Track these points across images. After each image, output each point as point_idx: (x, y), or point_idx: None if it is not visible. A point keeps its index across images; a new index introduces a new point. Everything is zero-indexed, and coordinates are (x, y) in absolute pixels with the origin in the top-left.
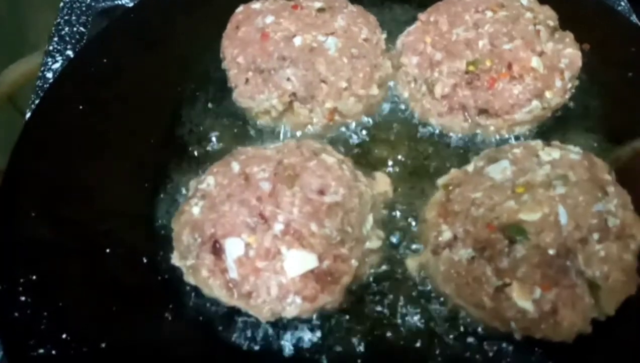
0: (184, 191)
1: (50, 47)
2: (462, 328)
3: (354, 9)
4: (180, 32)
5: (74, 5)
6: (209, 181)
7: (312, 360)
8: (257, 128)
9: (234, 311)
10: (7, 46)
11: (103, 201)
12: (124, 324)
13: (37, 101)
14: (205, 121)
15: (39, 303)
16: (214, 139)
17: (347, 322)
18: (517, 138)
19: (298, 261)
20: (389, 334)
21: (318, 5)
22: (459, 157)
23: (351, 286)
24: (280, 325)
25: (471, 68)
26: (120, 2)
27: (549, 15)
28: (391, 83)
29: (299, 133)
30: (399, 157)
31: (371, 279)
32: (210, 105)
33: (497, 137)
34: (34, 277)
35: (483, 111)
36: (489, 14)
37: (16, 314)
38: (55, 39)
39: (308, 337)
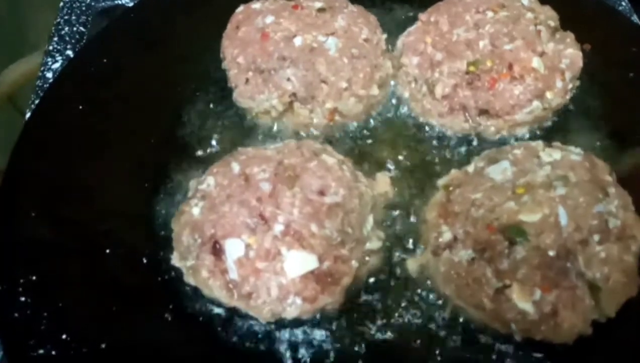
0: (184, 191)
1: (50, 47)
2: (462, 329)
3: (354, 9)
4: (180, 32)
5: (74, 5)
6: (209, 181)
7: (312, 361)
8: (257, 128)
9: (234, 312)
10: (7, 45)
11: (103, 201)
12: (124, 324)
13: (37, 101)
14: (206, 121)
15: (39, 304)
16: (214, 139)
17: (347, 323)
18: (517, 138)
19: (298, 262)
20: (389, 335)
21: (318, 5)
22: (459, 157)
23: (351, 287)
24: (281, 325)
25: (472, 68)
26: (120, 2)
27: (549, 16)
28: (392, 83)
29: (299, 134)
30: (400, 157)
31: (371, 280)
32: (210, 105)
33: (498, 137)
34: (34, 277)
35: (484, 112)
36: (490, 14)
37: (16, 314)
38: (55, 38)
39: (308, 337)
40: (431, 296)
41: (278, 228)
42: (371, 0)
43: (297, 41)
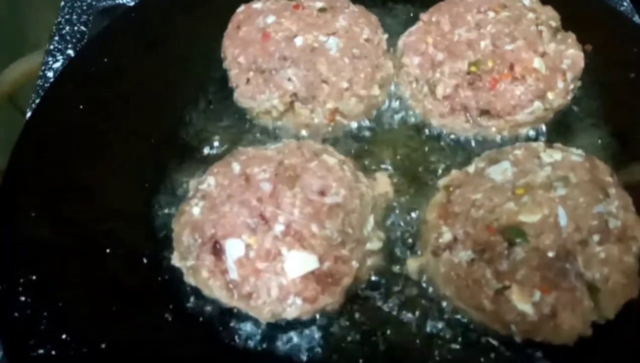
0: (184, 191)
1: (51, 47)
2: (462, 330)
3: (355, 9)
4: (181, 31)
5: (75, 5)
6: (209, 181)
7: (312, 361)
8: (258, 128)
9: (234, 312)
10: (7, 45)
11: (103, 201)
12: (124, 325)
13: (37, 101)
14: (206, 121)
15: (38, 303)
16: (214, 139)
17: (347, 323)
18: (518, 139)
19: (298, 263)
20: (389, 335)
21: (319, 5)
22: (460, 158)
23: (352, 287)
24: (281, 326)
25: (473, 69)
26: (121, 2)
27: (551, 16)
28: (393, 84)
29: (300, 134)
30: (400, 158)
31: (372, 280)
32: (211, 105)
33: (499, 138)
34: (34, 277)
35: (485, 112)
36: (491, 14)
37: (16, 314)
38: (56, 38)
39: (308, 338)
40: (431, 297)
41: (278, 228)
42: (372, 0)
43: (298, 41)
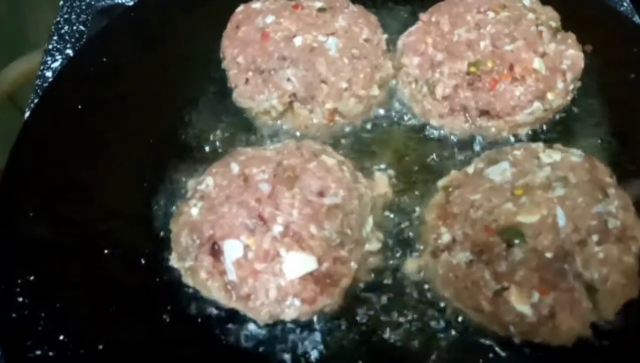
0: (183, 191)
1: (50, 46)
2: (461, 331)
3: (354, 9)
4: (180, 31)
5: (74, 4)
6: (208, 181)
7: (311, 362)
8: (256, 129)
9: (233, 313)
10: (7, 45)
11: (102, 201)
12: (122, 325)
13: (36, 100)
14: (205, 121)
15: (36, 304)
16: (213, 139)
17: (346, 324)
18: (518, 139)
19: (297, 264)
20: (387, 337)
21: (319, 5)
22: (459, 158)
23: (350, 288)
24: (279, 327)
25: (472, 69)
26: (119, 1)
27: (551, 16)
28: (392, 84)
29: (299, 134)
30: (399, 158)
31: (370, 281)
32: (210, 105)
33: (499, 138)
34: (32, 278)
35: (484, 113)
36: (491, 14)
37: (14, 315)
38: (55, 37)
39: (307, 339)
40: (430, 297)
41: (277, 229)
42: (372, 0)
43: (297, 41)
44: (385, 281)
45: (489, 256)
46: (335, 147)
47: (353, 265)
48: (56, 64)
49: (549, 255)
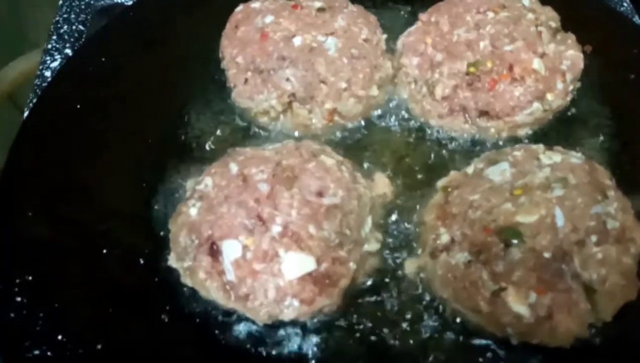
0: (182, 191)
1: (49, 46)
2: (459, 332)
3: (354, 8)
4: (179, 31)
5: (73, 4)
6: (206, 182)
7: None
8: (255, 129)
9: (231, 313)
10: (7, 44)
11: (100, 201)
12: (120, 325)
13: (35, 100)
14: (204, 121)
15: (35, 304)
16: (212, 139)
17: (345, 325)
18: (518, 140)
19: (296, 264)
20: (386, 337)
21: (318, 5)
22: (458, 159)
23: (349, 289)
24: (278, 327)
25: (472, 69)
26: (119, 1)
27: (550, 17)
28: (391, 84)
29: (298, 134)
30: (399, 159)
31: (369, 282)
32: (209, 105)
33: (498, 139)
34: (30, 277)
35: (484, 113)
36: (491, 14)
37: (12, 315)
38: (54, 37)
39: (305, 339)
40: (428, 298)
41: (276, 229)
42: (371, 0)
43: (297, 41)
44: (384, 282)
45: (486, 256)
46: (335, 147)
47: (352, 265)
48: (55, 64)
49: (547, 255)
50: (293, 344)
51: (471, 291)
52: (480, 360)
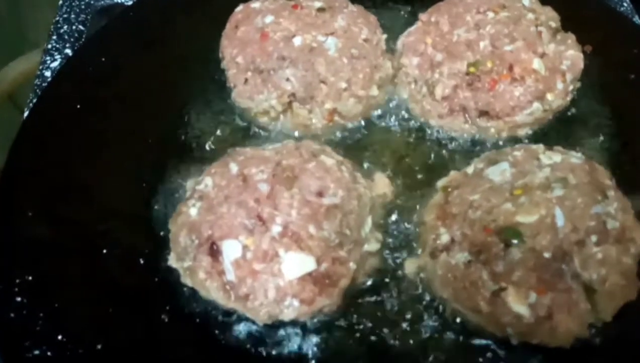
0: (182, 191)
1: (49, 46)
2: (459, 332)
3: (354, 8)
4: (179, 31)
5: (73, 4)
6: (206, 182)
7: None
8: (255, 129)
9: (231, 313)
10: (7, 44)
11: (100, 201)
12: (120, 325)
13: (35, 100)
14: (204, 121)
15: (35, 304)
16: (212, 139)
17: (345, 325)
18: (517, 140)
19: (296, 264)
20: (386, 337)
21: (318, 5)
22: (458, 159)
23: (349, 289)
24: (278, 327)
25: (472, 69)
26: (119, 1)
27: (550, 17)
28: (391, 84)
29: (298, 134)
30: (399, 159)
31: (369, 282)
32: (209, 105)
33: (498, 139)
34: (30, 277)
35: (484, 113)
36: (491, 14)
37: (12, 315)
38: (54, 37)
39: (305, 340)
40: (428, 298)
41: (276, 229)
42: (371, 0)
43: (297, 41)
44: (384, 282)
45: (486, 256)
46: (335, 147)
47: (352, 265)
48: (55, 64)
49: (547, 254)
50: (293, 344)
51: (471, 291)
52: (480, 360)
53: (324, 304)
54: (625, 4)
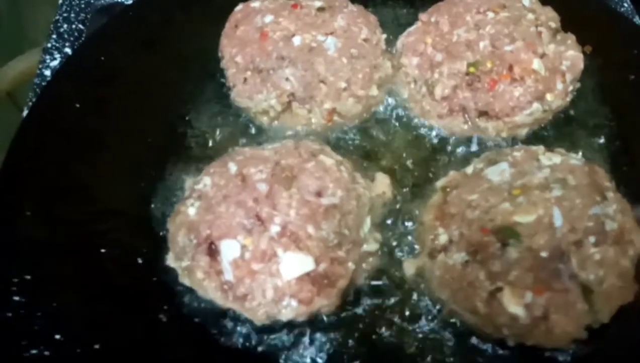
0: (181, 191)
1: (49, 45)
2: (458, 333)
3: (354, 8)
4: (178, 30)
5: (73, 3)
6: (205, 181)
7: None
8: (255, 128)
9: (230, 313)
10: (7, 43)
11: (99, 201)
12: (118, 325)
13: (34, 99)
14: (203, 120)
15: (32, 304)
16: (211, 139)
17: (343, 325)
18: (517, 140)
19: (294, 264)
20: (384, 337)
21: (318, 4)
22: (458, 159)
23: (348, 289)
24: (276, 328)
25: (472, 69)
26: (118, 0)
27: (550, 17)
28: (391, 84)
29: (297, 134)
30: (398, 159)
31: (368, 282)
32: (208, 104)
33: (498, 139)
34: (28, 277)
35: (483, 113)
36: (491, 14)
37: (9, 314)
38: (54, 36)
39: (303, 339)
40: (427, 299)
41: (274, 229)
42: (371, 0)
43: (296, 41)
44: (383, 282)
45: (483, 256)
46: (334, 147)
47: (350, 265)
48: (55, 63)
49: (544, 254)
50: (291, 344)
51: (468, 292)
52: (480, 360)
53: (323, 304)
54: (625, 4)
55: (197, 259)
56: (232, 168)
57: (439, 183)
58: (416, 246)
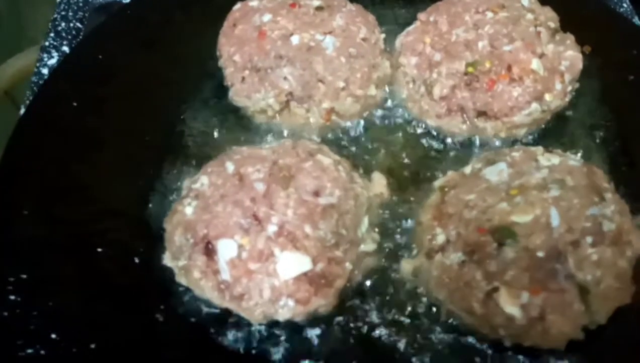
0: (178, 190)
1: (47, 43)
2: (456, 334)
3: (352, 7)
4: (177, 29)
5: (71, 1)
6: (202, 180)
7: None
8: (253, 127)
9: (227, 313)
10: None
11: (96, 200)
12: (114, 324)
13: (32, 97)
14: (201, 119)
15: (28, 303)
16: (209, 138)
17: (340, 325)
18: (516, 140)
19: (291, 264)
20: (382, 338)
21: (316, 3)
22: (456, 159)
23: (345, 289)
24: (273, 327)
25: (470, 69)
26: None
27: (550, 17)
28: (389, 84)
29: (295, 133)
30: (396, 158)
31: (366, 282)
32: (206, 103)
33: (496, 139)
34: (25, 276)
35: (482, 113)
36: (489, 14)
37: (5, 313)
38: (52, 34)
39: (301, 339)
40: (424, 299)
41: (271, 228)
42: None
43: (295, 40)
44: (381, 282)
45: (480, 256)
46: (332, 146)
47: (348, 265)
48: (53, 61)
49: (540, 254)
50: (288, 344)
51: (465, 292)
52: (478, 360)
53: (320, 304)
54: (625, 5)
55: (194, 258)
56: (230, 167)
57: (437, 183)
58: (414, 246)
